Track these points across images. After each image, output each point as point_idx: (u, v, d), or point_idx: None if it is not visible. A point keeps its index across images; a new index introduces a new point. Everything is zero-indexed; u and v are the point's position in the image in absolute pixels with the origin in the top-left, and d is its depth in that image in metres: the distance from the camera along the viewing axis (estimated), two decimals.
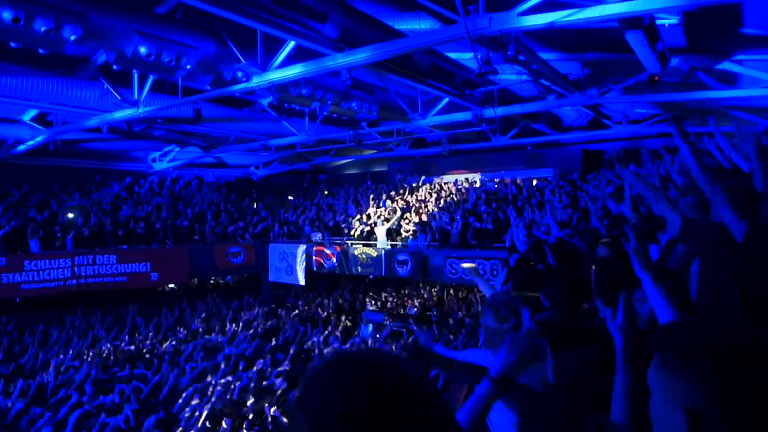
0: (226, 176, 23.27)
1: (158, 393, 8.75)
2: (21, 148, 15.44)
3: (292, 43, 8.38)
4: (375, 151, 20.65)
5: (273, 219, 18.73)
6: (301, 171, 25.37)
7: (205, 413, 7.63)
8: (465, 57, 10.68)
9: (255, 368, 9.72)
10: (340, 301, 17.13)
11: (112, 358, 10.60)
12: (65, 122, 13.75)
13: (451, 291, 17.91)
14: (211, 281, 23.18)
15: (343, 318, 14.00)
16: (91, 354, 10.81)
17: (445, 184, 19.80)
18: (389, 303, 16.95)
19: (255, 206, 20.28)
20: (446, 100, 12.21)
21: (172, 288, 21.65)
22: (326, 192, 22.98)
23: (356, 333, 13.05)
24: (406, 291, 18.42)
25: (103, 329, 12.95)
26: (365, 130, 15.36)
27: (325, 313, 15.00)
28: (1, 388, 8.85)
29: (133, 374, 9.44)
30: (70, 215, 16.12)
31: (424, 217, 15.30)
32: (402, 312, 15.87)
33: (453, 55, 10.64)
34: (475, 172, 20.68)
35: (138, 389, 8.72)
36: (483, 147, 17.85)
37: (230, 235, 17.32)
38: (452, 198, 17.25)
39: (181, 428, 7.33)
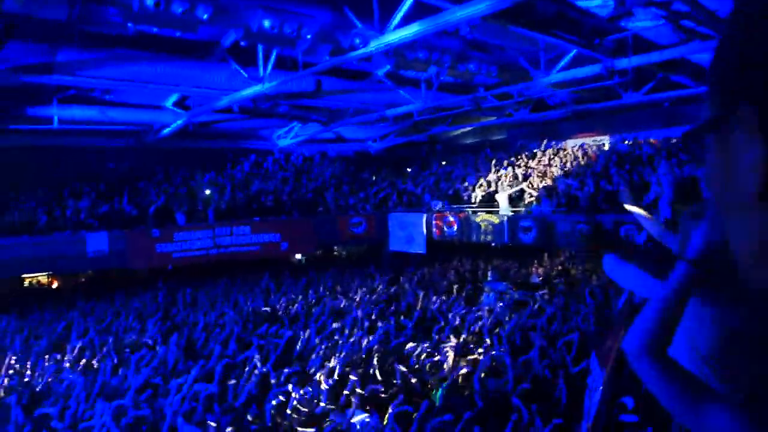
0: (345, 151, 23.93)
1: (292, 350, 9.27)
2: (165, 131, 17.03)
3: (409, 1, 8.21)
4: (493, 118, 19.99)
5: (392, 189, 18.92)
6: (417, 142, 25.35)
7: (335, 369, 7.93)
8: (593, 4, 9.80)
9: (380, 330, 9.93)
10: (461, 269, 16.96)
11: (251, 318, 11.42)
12: (201, 105, 14.86)
13: (579, 262, 16.96)
14: (335, 252, 24.15)
15: (464, 286, 13.81)
16: (232, 314, 11.72)
17: (570, 148, 18.63)
18: (512, 272, 16.46)
19: (374, 178, 20.63)
20: (573, 52, 11.35)
21: (299, 259, 22.92)
22: (444, 162, 22.74)
23: (479, 300, 12.80)
24: (530, 260, 17.74)
25: (241, 294, 13.98)
26: (483, 94, 14.81)
27: (446, 282, 14.91)
28: (160, 341, 9.89)
29: (269, 332, 10.07)
30: (208, 191, 17.54)
31: (549, 182, 14.53)
32: (526, 281, 15.35)
33: (581, 3, 9.81)
34: (603, 134, 19.22)
35: (275, 345, 9.30)
36: (612, 106, 16.47)
37: (351, 207, 17.80)
38: (579, 162, 16.19)
39: (312, 382, 7.68)
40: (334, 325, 10.44)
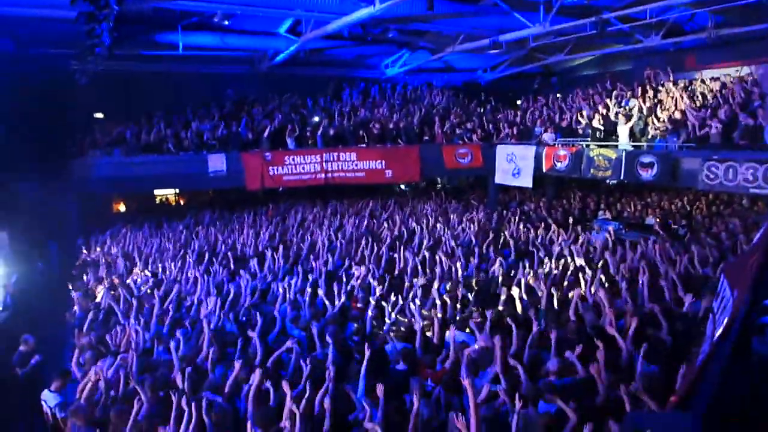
0: (454, 81, 23.24)
1: (393, 268, 9.54)
2: (279, 58, 17.49)
3: None
4: (619, 46, 18.24)
5: (501, 121, 18.21)
6: (530, 74, 23.95)
7: (433, 290, 8.06)
8: None
9: (476, 259, 9.88)
10: (570, 207, 16.24)
11: (354, 238, 11.85)
12: (312, 30, 14.96)
13: (702, 205, 15.52)
14: (438, 184, 24.08)
15: (571, 222, 13.22)
16: (338, 234, 12.24)
17: (706, 80, 16.60)
18: (625, 213, 15.49)
19: (482, 109, 19.93)
20: None
21: (403, 189, 23.17)
22: (558, 95, 21.35)
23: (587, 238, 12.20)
24: (646, 201, 16.54)
25: (346, 217, 14.50)
26: (608, 15, 13.47)
27: (552, 218, 14.37)
28: (270, 255, 10.58)
29: (372, 251, 10.41)
30: (317, 118, 17.98)
31: (678, 115, 13.14)
32: (640, 223, 14.40)
33: None
34: (748, 64, 16.85)
35: (378, 262, 9.64)
36: (761, 31, 14.26)
37: (458, 137, 17.45)
38: (714, 94, 14.42)
39: (411, 300, 7.88)
40: (435, 252, 10.53)
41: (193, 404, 4.77)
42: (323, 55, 19.41)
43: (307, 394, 4.93)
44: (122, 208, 20.25)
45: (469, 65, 22.54)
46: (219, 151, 15.55)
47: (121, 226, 14.22)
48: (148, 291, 8.81)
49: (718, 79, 15.54)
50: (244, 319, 7.71)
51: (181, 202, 21.81)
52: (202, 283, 8.78)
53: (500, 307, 7.54)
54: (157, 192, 21.59)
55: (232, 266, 10.13)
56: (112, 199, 19.83)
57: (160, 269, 10.17)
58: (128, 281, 9.43)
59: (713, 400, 1.49)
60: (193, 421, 4.62)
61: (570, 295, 7.60)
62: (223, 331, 7.15)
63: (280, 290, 8.49)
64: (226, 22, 14.31)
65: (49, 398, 5.50)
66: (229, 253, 10.83)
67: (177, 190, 22.08)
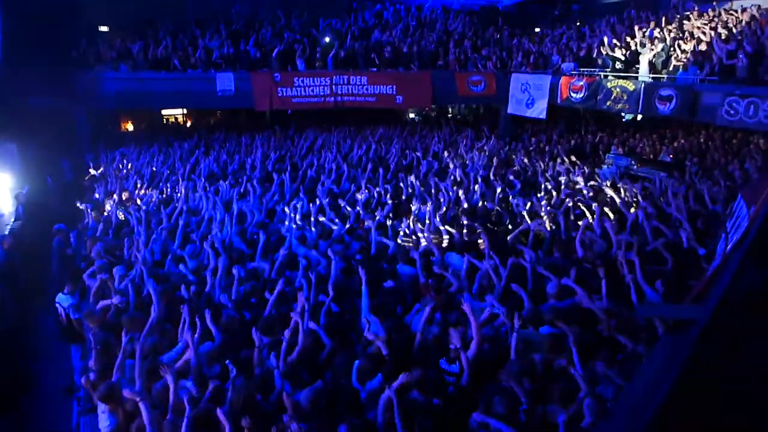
0: (471, 4, 22.22)
1: (400, 194, 9.55)
2: None
3: None
4: None
5: (518, 48, 17.56)
6: (551, 0, 22.89)
7: (436, 216, 8.10)
8: None
9: (482, 187, 9.85)
10: (583, 140, 15.99)
11: (362, 162, 11.80)
12: None
13: (717, 143, 15.20)
14: (449, 113, 23.64)
15: (584, 156, 13.05)
16: (347, 158, 12.17)
17: (735, 11, 15.76)
18: (638, 149, 15.23)
19: (499, 36, 19.18)
20: None
21: (414, 117, 22.79)
22: (579, 23, 20.44)
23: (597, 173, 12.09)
24: (659, 136, 16.21)
25: (356, 141, 14.35)
26: None
27: (565, 150, 14.17)
28: (279, 179, 10.57)
29: (377, 176, 10.39)
30: (327, 39, 17.39)
31: (703, 47, 12.59)
32: (653, 159, 14.20)
33: None
34: None
35: (384, 189, 9.64)
36: None
37: (472, 63, 16.92)
38: (744, 26, 13.74)
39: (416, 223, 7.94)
40: (442, 179, 10.49)
41: (203, 313, 4.93)
42: None
43: (308, 306, 5.07)
44: (130, 127, 20.13)
45: None
46: (227, 70, 15.21)
47: (130, 145, 14.17)
48: (156, 207, 8.89)
49: (746, 10, 14.75)
50: (251, 236, 7.81)
51: (189, 123, 21.63)
52: (210, 201, 8.84)
53: (505, 234, 7.59)
54: (165, 112, 21.38)
55: (241, 186, 10.16)
56: (119, 117, 19.68)
57: (168, 188, 10.22)
58: (137, 197, 9.51)
59: (725, 294, 1.49)
60: (199, 327, 4.78)
61: (578, 223, 7.62)
62: (231, 247, 7.27)
63: (287, 211, 8.56)
64: None
65: (63, 300, 5.69)
66: (237, 173, 10.84)
67: (185, 110, 21.85)
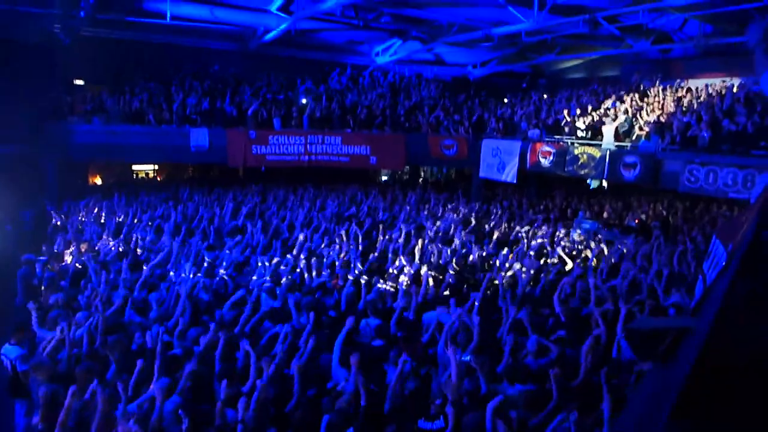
0: (444, 75, 23.17)
1: (373, 249, 9.44)
2: (269, 36, 17.21)
3: None
4: (609, 49, 18.41)
5: (488, 115, 18.22)
6: (519, 73, 24.08)
7: (411, 271, 8.00)
8: None
9: (456, 243, 9.85)
10: (552, 204, 16.33)
11: (334, 219, 11.72)
12: (304, 9, 14.73)
13: (678, 211, 15.73)
14: (421, 176, 24.03)
15: (552, 219, 13.31)
16: (319, 216, 12.08)
17: (691, 89, 16.81)
18: (605, 214, 15.61)
19: (470, 103, 19.92)
20: None
21: (386, 179, 23.07)
22: (545, 96, 21.46)
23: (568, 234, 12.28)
24: (625, 203, 16.70)
25: (328, 199, 14.34)
26: (609, 12, 13.54)
27: (534, 214, 14.42)
28: (250, 229, 10.38)
29: (349, 232, 10.29)
30: (304, 100, 17.75)
31: (663, 118, 13.28)
32: (619, 223, 14.53)
33: None
34: (734, 76, 17.11)
35: (357, 242, 9.52)
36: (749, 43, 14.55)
37: (444, 128, 17.40)
38: (699, 101, 14.62)
39: (390, 278, 7.81)
40: (416, 237, 10.47)
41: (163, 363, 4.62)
42: (313, 38, 19.19)
43: (277, 358, 4.82)
44: (98, 180, 19.78)
45: (459, 60, 22.51)
46: (202, 125, 15.26)
47: (96, 197, 13.82)
48: (117, 257, 8.55)
49: (705, 88, 15.76)
50: (219, 289, 7.53)
51: (160, 179, 21.39)
52: (177, 252, 8.56)
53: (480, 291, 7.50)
54: (135, 167, 21.16)
55: (209, 238, 9.91)
56: (88, 170, 19.35)
57: (133, 237, 9.90)
58: (97, 247, 9.15)
59: (724, 300, 1.41)
60: (162, 379, 4.46)
61: (550, 282, 7.61)
62: (197, 298, 6.97)
63: (258, 264, 8.34)
64: None
65: (9, 351, 5.27)
66: (206, 226, 10.61)
67: (156, 167, 21.67)
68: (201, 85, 17.41)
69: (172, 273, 7.76)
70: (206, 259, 8.52)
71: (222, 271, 7.97)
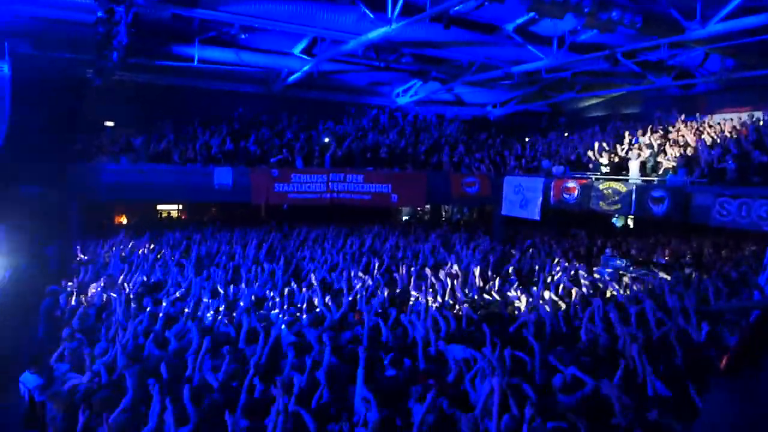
0: (464, 115, 23.35)
1: (395, 285, 9.28)
2: (293, 77, 17.64)
3: None
4: (627, 86, 18.41)
5: (509, 153, 18.19)
6: (539, 112, 24.18)
7: (434, 306, 7.81)
8: None
9: (478, 280, 9.65)
10: (577, 242, 16.02)
11: (356, 256, 11.61)
12: (326, 52, 15.11)
13: (711, 248, 15.27)
14: (443, 216, 23.92)
15: (579, 258, 13.01)
16: (340, 253, 12.00)
17: (715, 124, 16.62)
18: (633, 250, 15.23)
19: (491, 141, 19.95)
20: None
21: (407, 219, 23.01)
22: (566, 134, 21.42)
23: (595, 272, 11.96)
24: (653, 240, 16.31)
25: (350, 237, 14.29)
26: (626, 48, 13.57)
27: (559, 251, 14.13)
28: (270, 268, 10.34)
29: (370, 268, 10.17)
30: (327, 139, 17.99)
31: (690, 152, 13.07)
32: (648, 260, 14.15)
33: None
34: (758, 110, 16.91)
35: (378, 279, 9.39)
36: None
37: (466, 166, 17.39)
38: (725, 134, 14.39)
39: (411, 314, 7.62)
40: (438, 273, 10.29)
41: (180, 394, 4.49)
42: (335, 80, 19.60)
43: (297, 390, 4.66)
44: (124, 220, 20.11)
45: (479, 100, 22.72)
46: (226, 164, 15.49)
47: (121, 234, 14.00)
48: (142, 292, 8.55)
49: (726, 121, 15.55)
50: (238, 321, 7.43)
51: (184, 218, 21.66)
52: (199, 286, 8.53)
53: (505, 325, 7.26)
54: (160, 207, 21.50)
55: (230, 274, 9.88)
56: (114, 210, 19.72)
57: (156, 272, 9.93)
58: (121, 281, 9.18)
59: None
60: (174, 410, 4.32)
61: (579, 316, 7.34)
62: (217, 331, 6.88)
63: (278, 298, 8.25)
64: (243, 36, 14.45)
65: (28, 380, 5.20)
66: (228, 262, 10.60)
67: (180, 206, 21.98)
68: (226, 127, 17.79)
69: (191, 307, 7.69)
70: (227, 294, 8.46)
71: (242, 305, 7.88)
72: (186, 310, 7.60)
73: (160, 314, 7.12)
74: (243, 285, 9.00)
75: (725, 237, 15.28)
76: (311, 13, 12.75)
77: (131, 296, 8.11)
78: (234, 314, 7.57)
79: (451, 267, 10.81)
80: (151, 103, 17.54)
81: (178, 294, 8.21)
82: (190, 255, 11.28)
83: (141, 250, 11.68)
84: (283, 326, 7.11)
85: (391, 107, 21.99)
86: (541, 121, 24.19)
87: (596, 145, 15.86)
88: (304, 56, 16.14)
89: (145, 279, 9.43)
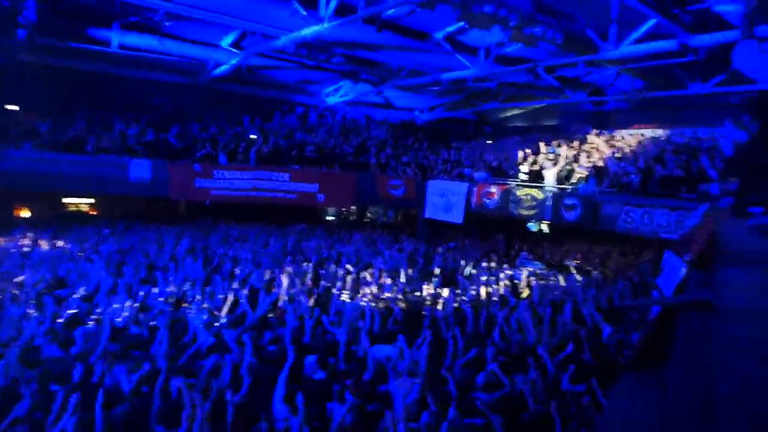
0: (391, 118, 23.62)
1: (318, 284, 9.20)
2: (219, 70, 17.08)
3: None
4: (547, 98, 19.38)
5: (435, 157, 18.59)
6: (465, 120, 24.89)
7: (359, 308, 7.81)
8: None
9: (402, 280, 9.79)
10: (496, 245, 16.62)
11: (279, 255, 11.41)
12: (256, 46, 14.76)
13: (617, 253, 16.37)
14: (368, 217, 24.04)
15: (498, 259, 13.50)
16: (263, 251, 11.74)
17: (624, 138, 17.88)
18: (547, 254, 16.01)
19: (417, 145, 20.30)
20: (651, 22, 10.64)
21: (331, 219, 22.92)
22: (490, 141, 22.23)
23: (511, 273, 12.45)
24: (566, 246, 17.23)
25: (273, 236, 14.01)
26: (546, 63, 14.27)
27: (479, 254, 14.60)
28: (190, 266, 9.94)
29: (294, 268, 10.03)
30: (253, 136, 17.56)
31: (600, 163, 13.96)
32: (560, 263, 14.92)
33: None
34: (661, 128, 18.39)
35: (302, 280, 9.26)
36: (675, 98, 15.73)
37: (392, 168, 17.57)
38: (632, 149, 15.51)
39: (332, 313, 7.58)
40: (362, 273, 10.32)
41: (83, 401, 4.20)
42: (264, 76, 19.20)
43: (213, 395, 4.50)
44: (26, 214, 18.57)
45: (407, 104, 23.06)
46: (144, 157, 14.72)
47: (21, 229, 12.93)
48: (42, 290, 7.93)
49: (633, 136, 16.77)
50: (152, 323, 7.07)
51: (95, 213, 20.34)
52: (110, 285, 8.03)
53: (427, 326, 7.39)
54: (68, 201, 20.06)
55: (144, 272, 9.39)
56: (14, 201, 18.16)
57: (60, 270, 9.23)
58: (18, 278, 8.47)
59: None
60: (78, 418, 4.04)
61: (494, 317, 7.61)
62: (129, 332, 6.50)
63: (197, 298, 7.94)
64: (168, 23, 13.79)
65: None
66: (143, 260, 10.07)
67: (91, 200, 20.65)
68: (145, 117, 16.91)
69: (100, 307, 7.23)
70: (140, 292, 8.03)
71: (156, 304, 7.51)
72: (97, 310, 7.13)
73: (64, 313, 6.64)
74: (159, 283, 8.56)
75: (630, 244, 16.41)
76: (242, 5, 12.42)
77: (31, 295, 7.50)
78: (148, 314, 7.20)
79: (376, 267, 10.87)
80: (64, 89, 16.28)
81: (84, 292, 7.68)
82: (100, 251, 10.62)
83: (44, 245, 10.83)
84: (201, 326, 6.84)
85: (321, 106, 21.85)
86: (467, 129, 24.94)
87: (516, 155, 16.56)
88: (232, 49, 15.69)
89: (46, 276, 8.75)
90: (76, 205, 20.65)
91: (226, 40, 15.53)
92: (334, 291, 8.89)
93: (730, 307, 1.10)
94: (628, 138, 17.12)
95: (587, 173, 13.80)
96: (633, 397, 1.68)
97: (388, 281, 9.73)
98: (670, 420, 1.18)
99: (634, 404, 1.56)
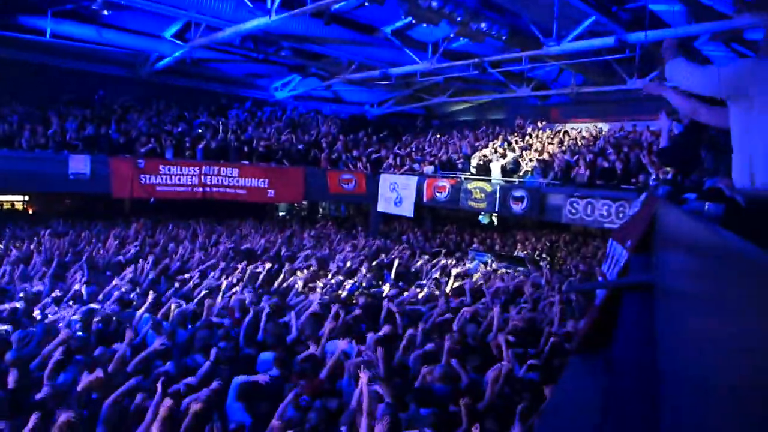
0: (341, 113, 23.54)
1: (272, 283, 9.08)
2: (162, 63, 16.52)
3: None
4: (493, 93, 19.78)
5: (385, 152, 18.66)
6: (414, 114, 25.10)
7: (314, 304, 7.77)
8: None
9: (360, 276, 9.80)
10: (448, 237, 16.89)
11: (231, 254, 11.18)
12: (202, 37, 14.34)
13: (563, 244, 16.98)
14: (320, 212, 23.91)
15: (449, 252, 13.74)
16: (213, 250, 11.47)
17: (568, 132, 18.51)
18: (496, 246, 16.42)
19: (367, 140, 20.32)
20: (586, 23, 11.10)
21: (283, 214, 22.66)
22: (439, 135, 22.50)
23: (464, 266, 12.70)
24: (515, 238, 17.73)
25: (224, 234, 13.72)
26: (492, 58, 14.55)
27: (431, 246, 14.81)
28: (135, 265, 9.60)
29: (249, 267, 9.85)
30: (200, 130, 17.10)
31: (546, 156, 14.40)
32: (510, 255, 15.33)
33: None
34: (602, 122, 19.15)
35: (255, 277, 9.11)
36: (615, 93, 16.40)
37: (343, 163, 17.53)
38: (575, 142, 16.08)
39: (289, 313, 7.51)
40: (317, 270, 10.27)
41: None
42: (210, 69, 18.73)
43: (168, 399, 4.38)
44: None
45: (357, 99, 23.04)
46: (83, 152, 14.06)
47: None
48: None
49: (579, 130, 17.37)
50: (98, 327, 6.79)
51: (31, 211, 19.35)
52: (48, 287, 7.67)
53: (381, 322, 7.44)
54: (1, 198, 18.99)
55: (86, 274, 8.99)
56: None
57: None
58: None
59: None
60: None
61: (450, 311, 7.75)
62: (70, 336, 6.21)
63: (146, 299, 7.68)
64: (106, 12, 13.18)
65: None
66: (84, 260, 9.64)
67: (26, 198, 19.62)
68: (84, 111, 16.15)
69: (39, 311, 6.90)
70: (83, 294, 7.71)
71: (102, 307, 7.22)
72: (32, 313, 6.79)
73: None
74: (104, 286, 8.23)
75: (576, 233, 17.06)
76: None
77: None
78: (92, 316, 6.91)
79: (329, 262, 10.85)
80: None
81: (22, 295, 7.30)
82: (39, 252, 10.09)
83: None
84: (150, 329, 6.63)
85: (269, 101, 21.51)
86: (416, 123, 25.14)
87: (465, 149, 16.84)
88: (176, 41, 15.20)
89: None
90: (11, 202, 19.60)
91: (169, 31, 15.04)
92: (289, 288, 8.82)
93: (668, 286, 1.18)
94: (571, 131, 17.71)
95: (533, 166, 14.20)
96: (580, 378, 1.76)
97: (343, 277, 9.74)
98: (616, 395, 1.25)
99: (582, 385, 1.64)
